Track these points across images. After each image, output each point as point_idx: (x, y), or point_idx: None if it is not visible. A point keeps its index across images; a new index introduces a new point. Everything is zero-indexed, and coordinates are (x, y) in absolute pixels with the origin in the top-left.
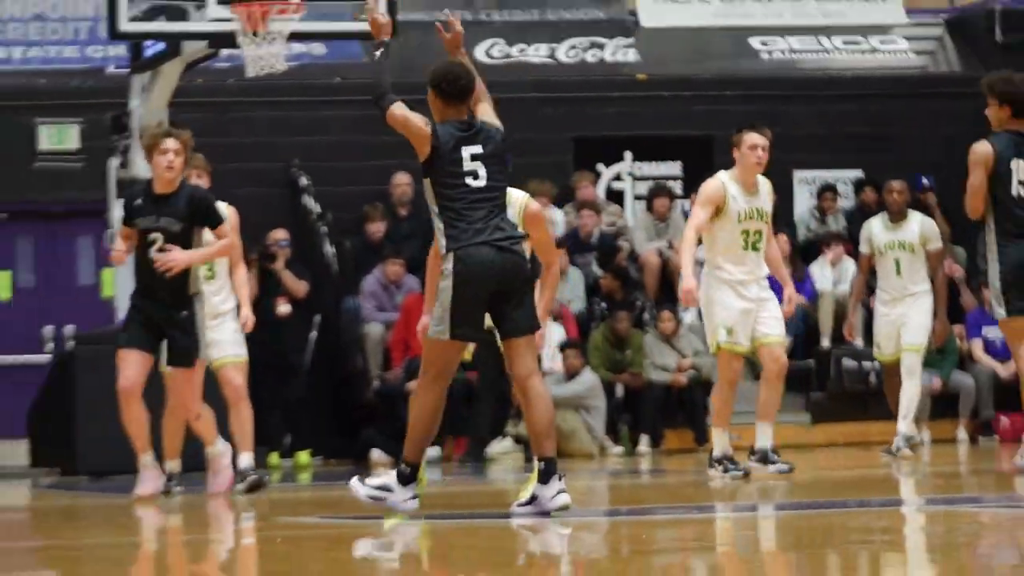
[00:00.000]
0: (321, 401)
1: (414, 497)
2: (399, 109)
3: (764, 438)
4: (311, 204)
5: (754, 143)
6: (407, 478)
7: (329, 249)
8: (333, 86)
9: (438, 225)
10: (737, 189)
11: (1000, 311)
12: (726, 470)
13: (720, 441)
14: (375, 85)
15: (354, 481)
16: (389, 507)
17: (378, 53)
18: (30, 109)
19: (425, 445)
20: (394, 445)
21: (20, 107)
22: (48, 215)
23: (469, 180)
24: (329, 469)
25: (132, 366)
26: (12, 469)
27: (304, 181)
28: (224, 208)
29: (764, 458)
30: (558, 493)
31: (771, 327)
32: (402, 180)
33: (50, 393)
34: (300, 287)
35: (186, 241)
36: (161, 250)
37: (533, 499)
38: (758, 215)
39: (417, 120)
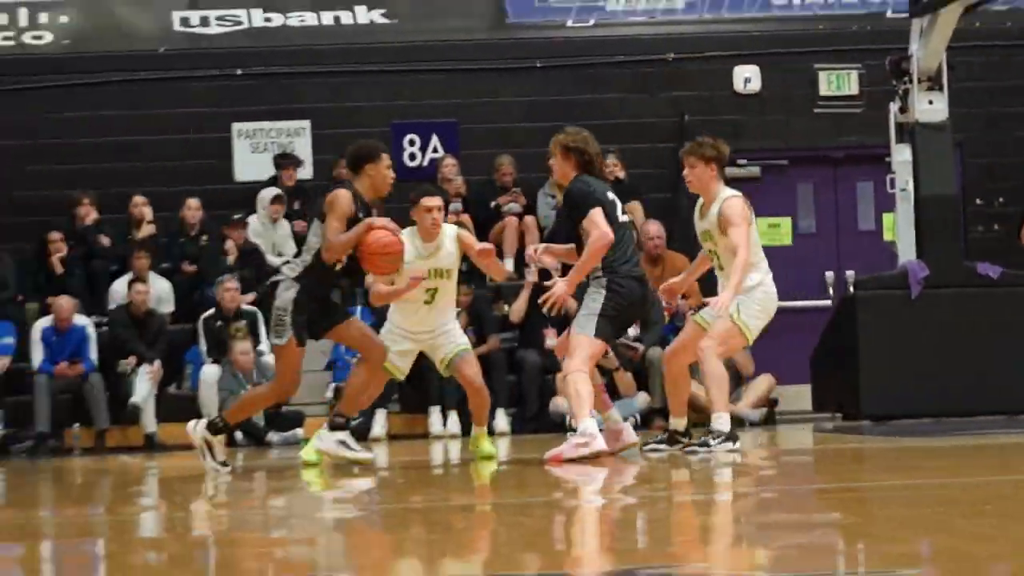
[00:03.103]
0: None
1: None
2: None
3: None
4: None
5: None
6: None
7: None
8: None
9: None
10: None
11: None
12: None
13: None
14: None
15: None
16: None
17: None
18: (811, 55)
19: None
20: None
21: (802, 53)
22: (829, 160)
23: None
24: None
25: None
26: (797, 414)
27: None
28: None
29: None
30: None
31: None
32: None
33: (832, 338)
34: None
35: None
36: None
37: None
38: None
39: None
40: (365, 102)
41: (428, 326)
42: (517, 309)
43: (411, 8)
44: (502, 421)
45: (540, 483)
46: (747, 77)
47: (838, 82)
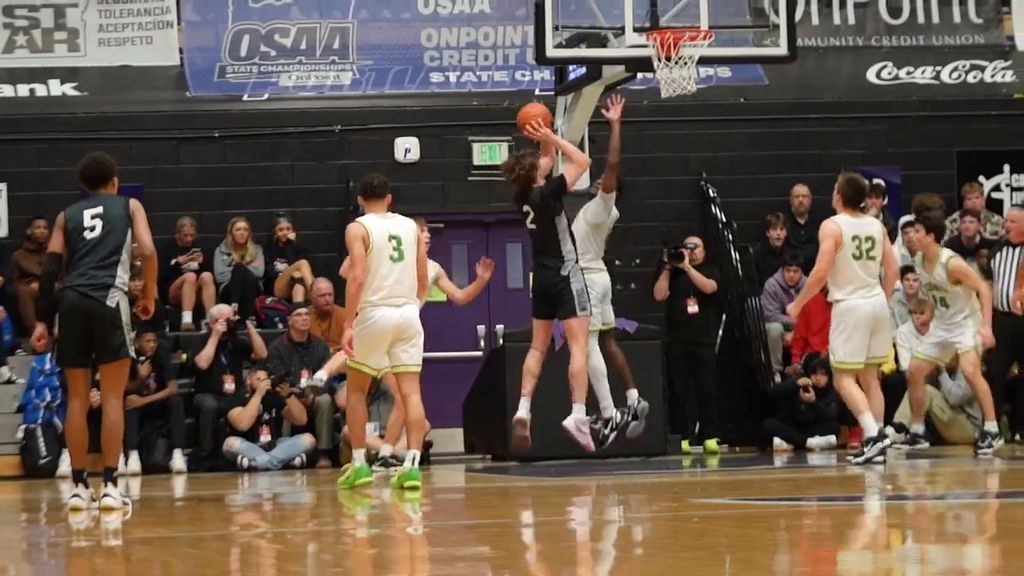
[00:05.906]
0: (727, 392)
1: None
2: None
3: None
4: (718, 213)
5: None
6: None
7: (734, 254)
8: (738, 106)
9: None
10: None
11: None
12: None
13: None
14: None
15: None
16: None
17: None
18: (466, 128)
19: None
20: (795, 434)
21: (458, 127)
22: (481, 223)
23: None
24: (735, 455)
25: None
26: (451, 455)
27: (712, 192)
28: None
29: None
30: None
31: None
32: (800, 191)
33: (482, 386)
34: (708, 284)
35: None
36: None
37: None
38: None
39: None
40: (58, 167)
41: None
42: (206, 356)
43: (100, 82)
44: (179, 460)
45: (215, 517)
46: (407, 147)
47: (490, 153)
